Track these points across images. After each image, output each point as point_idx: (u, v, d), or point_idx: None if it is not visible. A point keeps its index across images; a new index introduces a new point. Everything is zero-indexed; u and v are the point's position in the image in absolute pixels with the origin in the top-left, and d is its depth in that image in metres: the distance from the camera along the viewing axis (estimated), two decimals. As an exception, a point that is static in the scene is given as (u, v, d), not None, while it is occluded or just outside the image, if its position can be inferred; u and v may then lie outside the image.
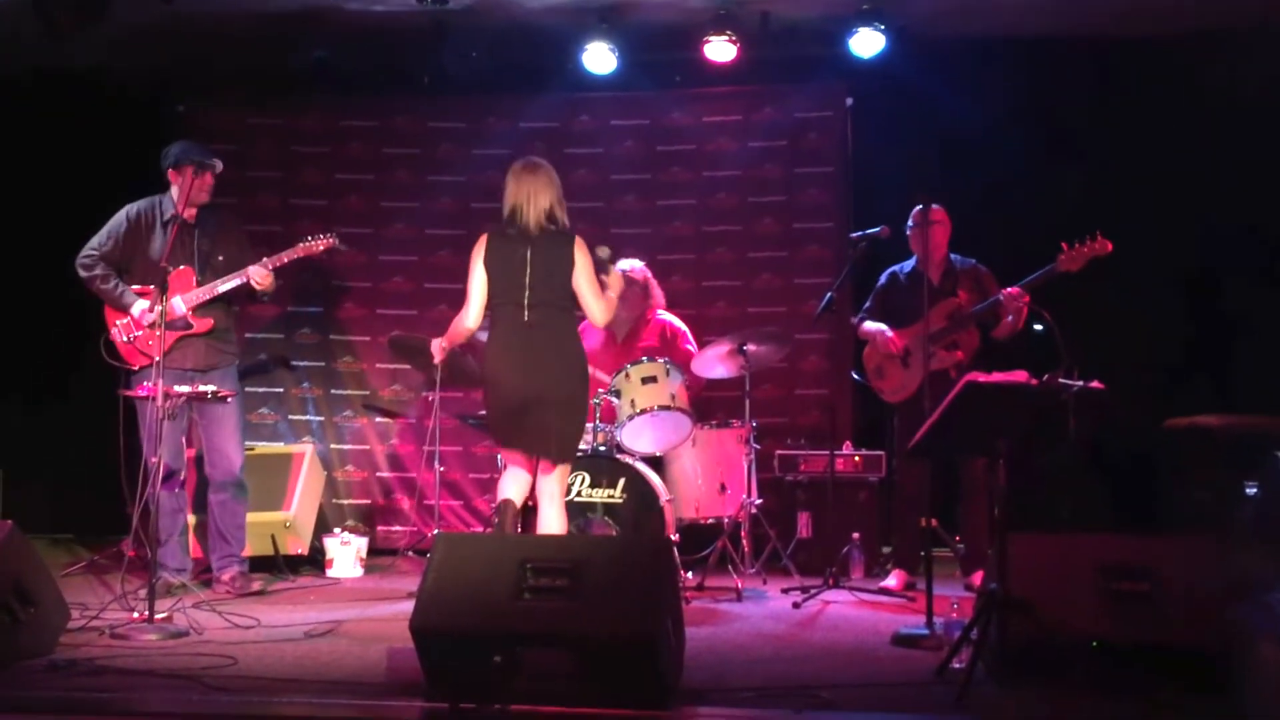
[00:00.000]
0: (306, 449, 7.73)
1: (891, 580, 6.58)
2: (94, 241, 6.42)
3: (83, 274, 6.38)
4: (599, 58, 7.69)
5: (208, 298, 6.33)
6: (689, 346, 7.26)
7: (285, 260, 6.36)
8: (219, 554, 6.53)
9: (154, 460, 5.54)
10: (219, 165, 6.44)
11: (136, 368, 6.31)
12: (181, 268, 6.31)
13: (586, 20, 7.61)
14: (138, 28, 7.25)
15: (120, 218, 6.44)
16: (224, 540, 6.51)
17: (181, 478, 6.49)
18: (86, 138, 8.22)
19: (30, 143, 8.26)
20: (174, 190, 6.42)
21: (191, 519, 6.96)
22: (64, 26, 6.61)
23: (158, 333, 5.60)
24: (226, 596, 6.28)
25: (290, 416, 8.38)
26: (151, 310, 6.06)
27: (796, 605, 6.09)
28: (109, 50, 7.50)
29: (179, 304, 6.28)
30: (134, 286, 6.37)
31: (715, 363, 6.93)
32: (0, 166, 8.26)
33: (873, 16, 7.36)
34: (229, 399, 6.20)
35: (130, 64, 7.92)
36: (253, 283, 6.28)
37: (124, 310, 6.32)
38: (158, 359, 5.53)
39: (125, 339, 6.33)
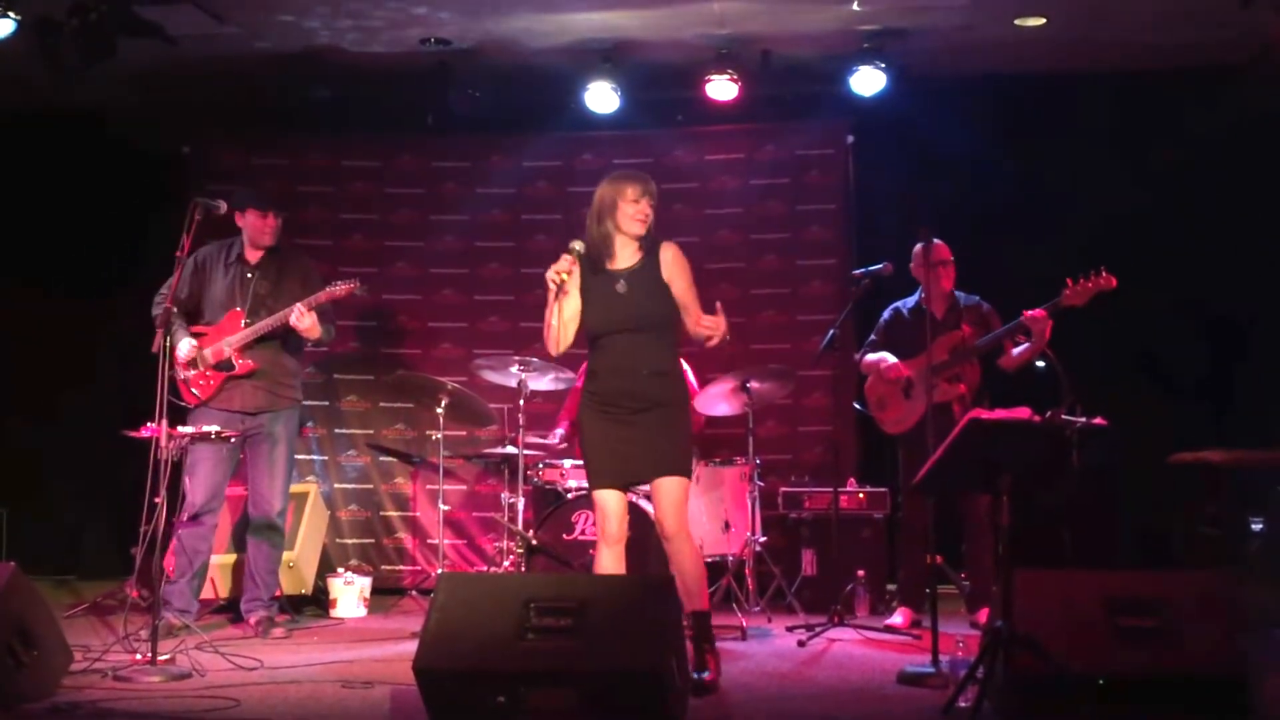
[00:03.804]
0: (310, 488, 7.71)
1: (897, 618, 6.54)
2: (166, 283, 6.43)
3: (153, 312, 6.34)
4: (601, 97, 7.73)
5: (248, 340, 6.34)
6: (691, 383, 7.24)
7: (313, 304, 6.30)
8: (247, 595, 6.53)
9: (158, 500, 5.53)
10: (275, 214, 6.46)
11: (191, 406, 6.38)
12: (235, 309, 6.38)
13: (589, 60, 7.66)
14: (143, 68, 7.30)
15: (190, 260, 6.41)
16: (253, 582, 6.51)
17: (215, 518, 6.48)
18: (92, 178, 8.28)
19: (37, 182, 8.31)
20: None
21: (222, 559, 6.98)
22: (71, 67, 6.65)
23: (191, 373, 5.99)
24: (252, 637, 6.26)
25: (294, 456, 8.35)
26: (197, 350, 6.27)
27: (801, 643, 6.06)
28: (115, 91, 7.55)
29: (225, 346, 6.32)
30: (194, 327, 6.42)
31: (718, 400, 6.93)
32: (7, 204, 8.31)
33: (873, 55, 7.41)
34: (270, 438, 6.28)
35: (136, 104, 7.97)
36: (292, 325, 6.27)
37: (173, 349, 6.32)
38: (162, 400, 5.52)
39: (181, 377, 6.38)
